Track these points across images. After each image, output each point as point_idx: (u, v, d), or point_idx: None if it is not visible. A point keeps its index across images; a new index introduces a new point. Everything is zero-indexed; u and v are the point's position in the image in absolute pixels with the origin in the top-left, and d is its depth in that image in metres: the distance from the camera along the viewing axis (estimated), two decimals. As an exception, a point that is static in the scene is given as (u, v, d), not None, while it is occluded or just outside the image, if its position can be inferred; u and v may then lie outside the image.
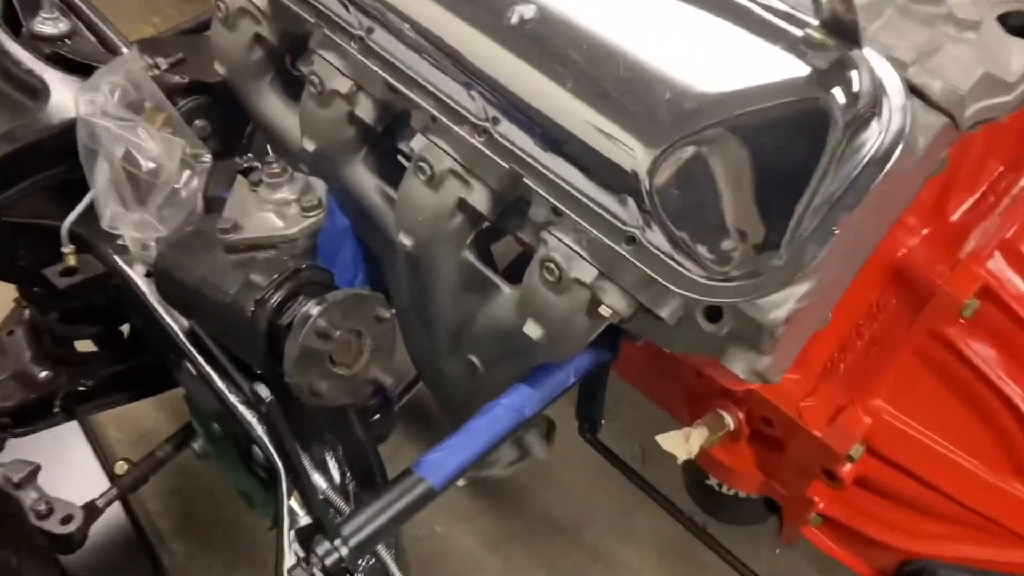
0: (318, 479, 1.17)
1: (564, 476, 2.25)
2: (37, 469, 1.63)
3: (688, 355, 1.06)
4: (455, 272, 1.19)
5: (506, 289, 1.15)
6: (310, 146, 1.26)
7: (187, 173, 1.22)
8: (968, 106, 0.95)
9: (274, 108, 1.35)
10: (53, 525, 1.58)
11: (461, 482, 1.41)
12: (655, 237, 0.94)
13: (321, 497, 1.15)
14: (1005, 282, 1.06)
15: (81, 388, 1.70)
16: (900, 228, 1.07)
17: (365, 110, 1.20)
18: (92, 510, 1.64)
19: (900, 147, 0.87)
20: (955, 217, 1.11)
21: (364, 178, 1.27)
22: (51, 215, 1.38)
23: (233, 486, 1.89)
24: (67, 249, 1.36)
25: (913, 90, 0.92)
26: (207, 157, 1.25)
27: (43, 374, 1.71)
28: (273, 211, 1.16)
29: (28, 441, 1.69)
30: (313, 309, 1.03)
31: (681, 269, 0.92)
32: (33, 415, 1.69)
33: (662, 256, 0.93)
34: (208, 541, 2.18)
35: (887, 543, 1.17)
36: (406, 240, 1.18)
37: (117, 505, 1.81)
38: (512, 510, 2.20)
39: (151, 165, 1.18)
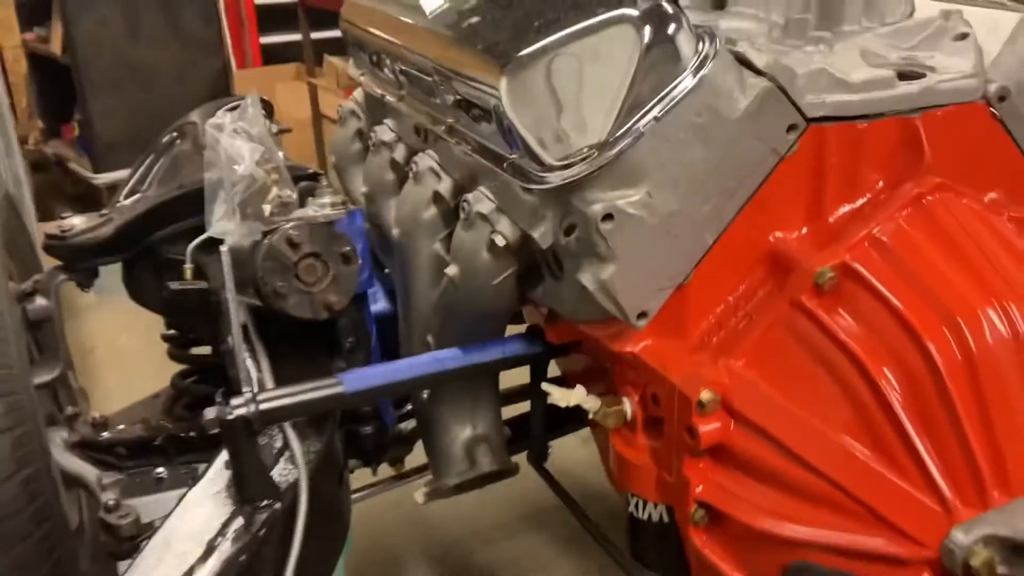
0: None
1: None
2: (122, 482, 1.94)
3: (575, 315, 1.23)
4: (427, 261, 1.46)
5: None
6: (363, 188, 1.65)
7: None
8: (805, 93, 1.15)
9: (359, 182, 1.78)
10: (112, 517, 1.85)
11: (420, 499, 1.54)
12: (523, 162, 1.18)
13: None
14: (865, 261, 1.14)
15: (182, 435, 2.03)
16: (775, 220, 1.21)
17: (399, 154, 1.58)
18: (149, 526, 1.89)
19: (703, 78, 1.09)
20: (832, 219, 1.22)
21: (391, 212, 1.61)
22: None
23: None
24: (188, 264, 1.79)
25: (739, 59, 1.15)
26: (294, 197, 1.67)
27: (161, 422, 2.08)
28: (311, 207, 1.53)
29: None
30: (289, 224, 1.35)
31: (539, 174, 1.15)
32: (139, 450, 2.03)
33: (525, 171, 1.17)
34: None
35: (760, 529, 1.12)
36: (395, 230, 1.48)
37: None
38: None
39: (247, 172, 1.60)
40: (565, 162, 1.12)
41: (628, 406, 1.28)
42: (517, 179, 1.18)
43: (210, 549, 1.19)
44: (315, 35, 4.87)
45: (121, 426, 2.11)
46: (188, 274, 1.80)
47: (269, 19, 5.71)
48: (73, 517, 1.84)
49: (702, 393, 1.14)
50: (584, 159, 1.11)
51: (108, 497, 1.85)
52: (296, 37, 5.09)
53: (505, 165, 1.20)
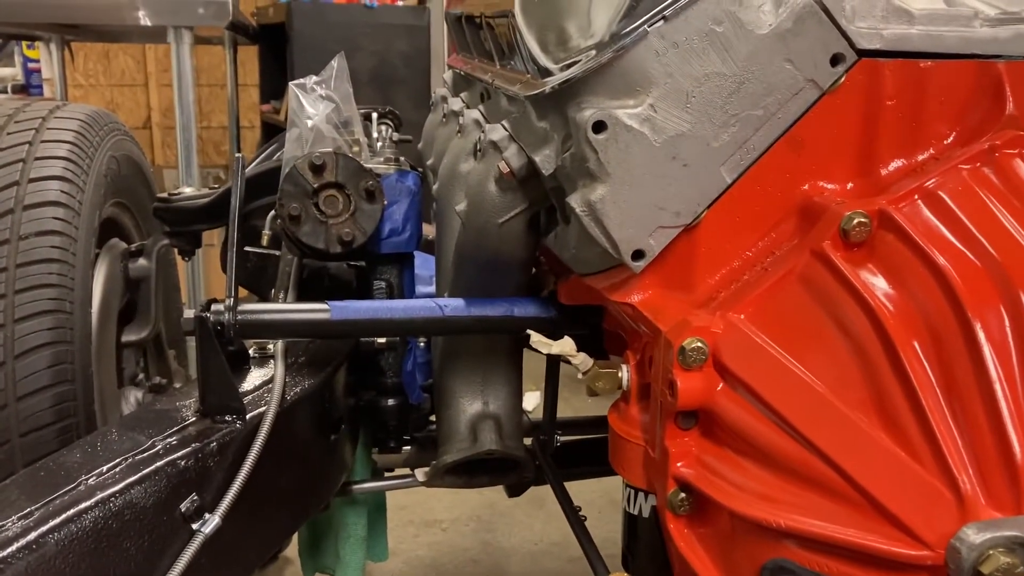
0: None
1: None
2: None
3: (578, 254, 1.10)
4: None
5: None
6: (430, 161, 1.60)
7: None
8: (856, 19, 1.00)
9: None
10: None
11: (421, 476, 1.42)
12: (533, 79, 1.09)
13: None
14: (910, 213, 0.95)
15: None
16: (814, 168, 1.04)
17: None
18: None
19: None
20: (885, 173, 1.02)
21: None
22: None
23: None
24: (266, 230, 1.80)
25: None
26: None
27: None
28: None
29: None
30: (318, 152, 1.32)
31: (539, 81, 1.06)
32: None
33: (530, 84, 1.08)
34: None
35: (737, 512, 0.91)
36: (435, 185, 1.41)
37: None
38: None
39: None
40: (563, 64, 1.02)
41: (625, 372, 1.11)
42: (522, 94, 1.09)
43: (152, 446, 1.12)
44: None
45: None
46: (264, 240, 1.81)
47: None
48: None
49: (686, 340, 0.96)
50: (581, 61, 1.00)
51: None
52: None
53: (518, 85, 1.12)
